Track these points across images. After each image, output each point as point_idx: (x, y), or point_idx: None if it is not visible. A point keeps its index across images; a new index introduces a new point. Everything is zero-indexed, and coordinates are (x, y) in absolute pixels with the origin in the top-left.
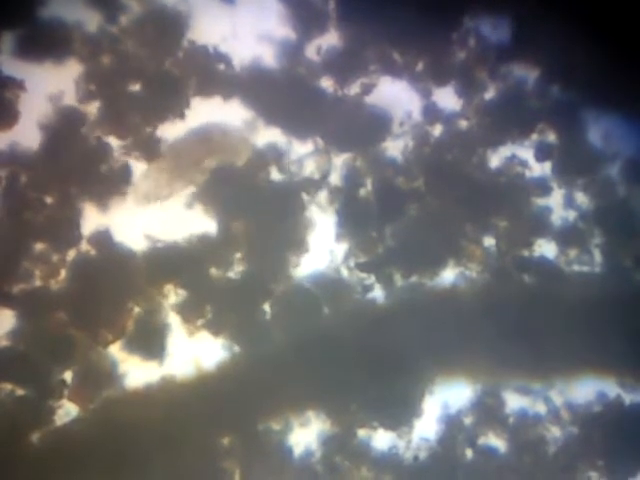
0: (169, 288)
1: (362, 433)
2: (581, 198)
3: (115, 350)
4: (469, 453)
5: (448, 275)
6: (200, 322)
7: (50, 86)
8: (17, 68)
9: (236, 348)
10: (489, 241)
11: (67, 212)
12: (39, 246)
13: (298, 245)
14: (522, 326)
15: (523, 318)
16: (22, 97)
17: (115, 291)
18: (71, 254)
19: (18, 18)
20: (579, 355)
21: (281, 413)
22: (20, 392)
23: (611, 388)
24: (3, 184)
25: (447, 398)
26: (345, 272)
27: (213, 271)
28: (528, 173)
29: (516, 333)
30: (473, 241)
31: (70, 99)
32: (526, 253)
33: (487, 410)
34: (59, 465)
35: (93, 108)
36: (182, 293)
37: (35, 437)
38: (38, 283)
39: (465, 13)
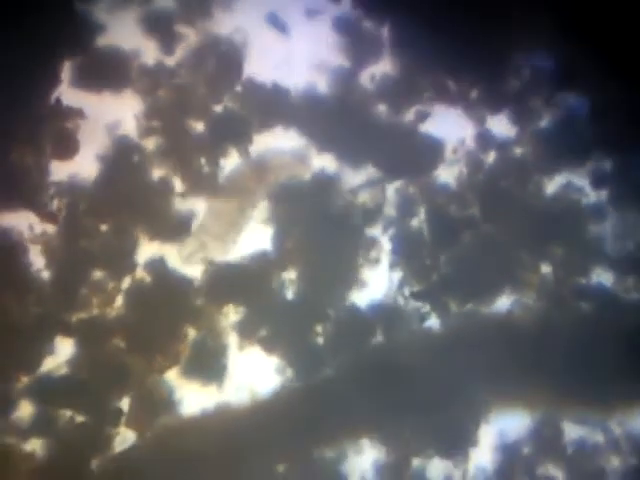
0: (227, 309)
1: (417, 461)
2: (638, 225)
3: (172, 376)
4: None
5: (504, 302)
6: (255, 339)
7: (108, 115)
8: (75, 97)
9: (291, 373)
10: (545, 268)
11: (123, 241)
12: (96, 274)
13: (353, 272)
14: (579, 355)
15: (580, 346)
16: (81, 126)
17: (170, 317)
18: (126, 282)
19: (77, 48)
20: (638, 384)
21: (336, 440)
22: (79, 419)
23: None
24: (63, 212)
25: (504, 427)
26: (400, 300)
27: (270, 294)
28: (584, 200)
29: (573, 362)
30: (529, 268)
31: (128, 129)
32: (583, 281)
33: (545, 440)
34: None
35: (152, 143)
36: (240, 312)
37: (94, 464)
38: (95, 311)
39: (519, 42)
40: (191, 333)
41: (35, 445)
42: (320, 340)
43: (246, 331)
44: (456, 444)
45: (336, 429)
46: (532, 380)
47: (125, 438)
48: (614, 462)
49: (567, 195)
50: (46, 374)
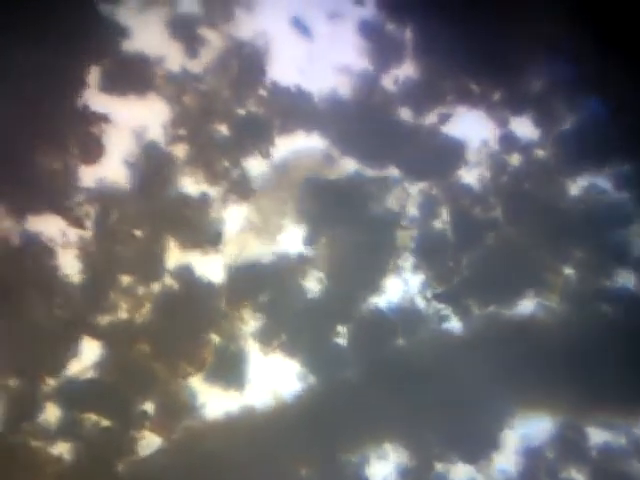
0: (248, 313)
1: (440, 466)
2: None
3: (196, 381)
4: None
5: (526, 305)
6: (278, 343)
7: (134, 120)
8: (101, 102)
9: (313, 377)
10: (568, 271)
11: (152, 247)
12: (125, 279)
13: (375, 274)
14: (603, 358)
15: (604, 349)
16: (107, 131)
17: (196, 324)
18: (155, 287)
19: (102, 52)
20: None
21: (359, 444)
22: (105, 423)
23: None
24: (91, 217)
25: (527, 431)
26: (421, 302)
27: (293, 295)
28: (607, 202)
29: (597, 365)
30: (552, 271)
31: (154, 134)
32: (606, 283)
33: (569, 444)
34: None
35: (179, 149)
36: (261, 318)
37: (120, 467)
38: (123, 315)
39: (542, 44)
40: (215, 339)
41: (62, 448)
42: (342, 342)
43: (268, 335)
44: (479, 448)
45: (359, 433)
46: (555, 384)
47: (150, 442)
48: (638, 467)
49: (590, 197)
50: (72, 377)
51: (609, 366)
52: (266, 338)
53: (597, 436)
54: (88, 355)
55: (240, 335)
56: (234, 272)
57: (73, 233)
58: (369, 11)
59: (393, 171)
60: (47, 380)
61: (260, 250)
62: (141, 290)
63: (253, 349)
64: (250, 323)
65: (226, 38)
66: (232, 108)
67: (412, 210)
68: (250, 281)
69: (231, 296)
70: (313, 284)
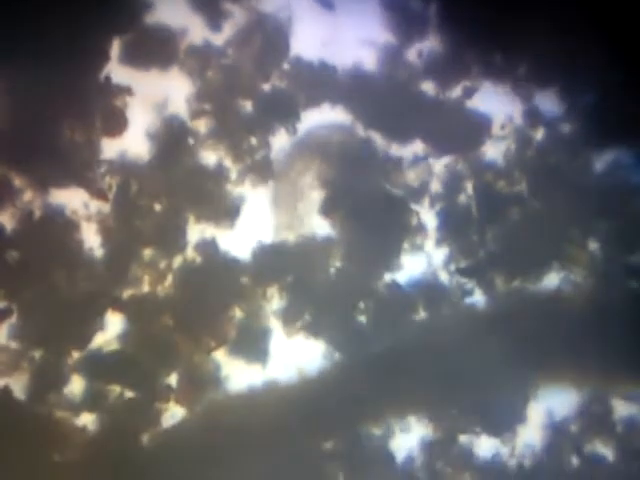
0: (272, 291)
1: (464, 439)
2: None
3: (220, 353)
4: (575, 461)
5: (552, 279)
6: (300, 324)
7: (156, 93)
8: (124, 74)
9: (336, 352)
10: (594, 245)
11: (174, 220)
12: (147, 252)
13: (399, 248)
14: (628, 332)
15: (629, 323)
16: (130, 104)
17: (219, 298)
18: (177, 261)
19: (125, 25)
20: None
21: (382, 418)
22: (129, 394)
23: None
24: (114, 190)
25: (552, 405)
26: (445, 276)
27: (315, 272)
28: (633, 176)
29: (622, 339)
30: (577, 245)
31: (176, 108)
32: (632, 258)
33: (594, 417)
34: (168, 466)
35: (202, 124)
36: (285, 296)
37: (145, 438)
38: (146, 288)
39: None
40: (238, 314)
41: (87, 419)
42: (365, 317)
43: (292, 315)
44: (504, 421)
45: (383, 406)
46: (581, 357)
47: (174, 413)
48: None
49: (616, 171)
50: (97, 350)
51: (635, 339)
52: (290, 319)
53: (623, 409)
54: (112, 328)
55: (263, 313)
56: (257, 251)
57: (96, 206)
58: None
59: (417, 146)
60: (72, 352)
61: (282, 228)
62: (163, 263)
63: (277, 328)
64: (274, 302)
65: (249, 11)
66: (255, 82)
67: (436, 184)
68: (272, 261)
69: (255, 275)
70: (335, 261)
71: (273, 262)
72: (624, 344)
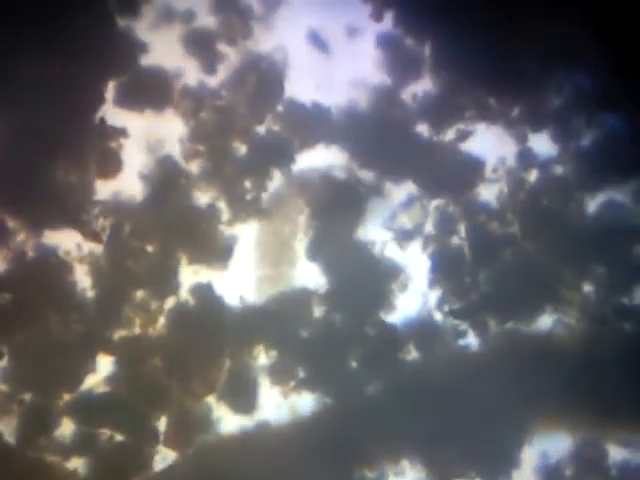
0: (259, 349)
1: None
2: None
3: (210, 398)
4: None
5: (545, 322)
6: (292, 384)
7: (151, 134)
8: (119, 116)
9: (329, 399)
10: (587, 287)
11: (167, 261)
12: (139, 294)
13: (391, 292)
14: (622, 375)
15: (623, 367)
16: (124, 145)
17: (210, 343)
18: (169, 302)
19: (120, 67)
20: None
21: (376, 461)
22: (119, 437)
23: None
24: (107, 232)
25: (546, 448)
26: (439, 318)
27: (303, 324)
28: (626, 218)
29: (616, 382)
30: (571, 287)
31: (170, 149)
32: (626, 300)
33: (588, 461)
34: None
35: (195, 165)
36: (272, 355)
37: None
38: (137, 330)
39: (561, 61)
40: (227, 362)
41: (77, 463)
42: (357, 361)
43: (284, 373)
44: (498, 466)
45: (376, 450)
46: (575, 401)
47: (165, 456)
48: None
49: (609, 213)
50: (87, 392)
51: (629, 383)
52: (281, 376)
53: (617, 453)
54: (102, 370)
55: (253, 367)
56: (243, 310)
57: (89, 247)
58: (387, 26)
59: (410, 187)
60: (63, 395)
61: (270, 277)
62: (155, 305)
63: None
64: (261, 358)
65: (244, 54)
66: (249, 124)
67: (429, 225)
68: (260, 317)
69: (242, 331)
70: (324, 309)
71: (259, 320)
72: (618, 387)
